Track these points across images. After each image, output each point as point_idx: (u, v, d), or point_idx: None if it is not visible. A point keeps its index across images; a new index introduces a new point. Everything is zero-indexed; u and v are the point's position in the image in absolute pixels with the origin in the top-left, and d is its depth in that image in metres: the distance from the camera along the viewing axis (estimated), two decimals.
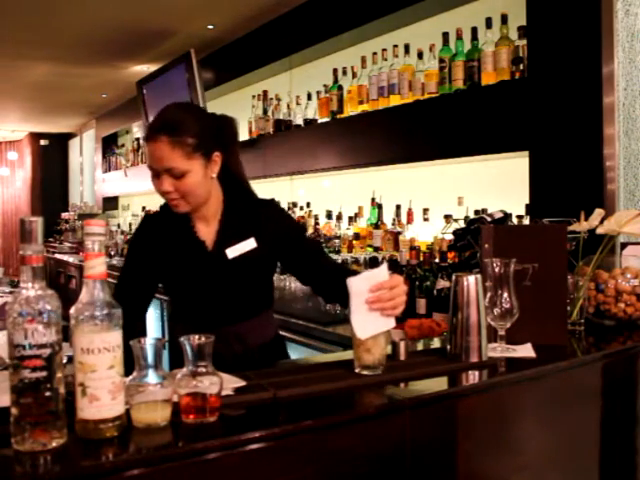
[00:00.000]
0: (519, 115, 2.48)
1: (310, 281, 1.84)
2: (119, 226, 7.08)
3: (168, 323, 1.99)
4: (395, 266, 2.77)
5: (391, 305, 1.33)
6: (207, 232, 1.74)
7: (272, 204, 1.84)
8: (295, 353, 2.63)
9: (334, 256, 3.10)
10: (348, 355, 1.40)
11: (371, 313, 1.32)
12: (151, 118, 5.61)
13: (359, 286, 1.33)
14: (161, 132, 1.56)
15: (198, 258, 1.72)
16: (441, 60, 2.83)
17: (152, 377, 0.98)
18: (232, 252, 1.72)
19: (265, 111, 4.25)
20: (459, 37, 2.79)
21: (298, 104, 3.95)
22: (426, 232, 3.06)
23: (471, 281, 1.40)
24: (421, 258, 2.60)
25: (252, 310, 1.79)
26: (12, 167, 10.72)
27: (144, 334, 1.74)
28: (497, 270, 1.47)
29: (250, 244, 1.73)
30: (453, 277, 1.43)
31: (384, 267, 1.37)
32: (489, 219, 2.04)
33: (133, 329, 1.65)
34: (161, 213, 1.82)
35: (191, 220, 1.74)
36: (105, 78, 6.11)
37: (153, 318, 4.48)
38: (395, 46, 3.13)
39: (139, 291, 1.77)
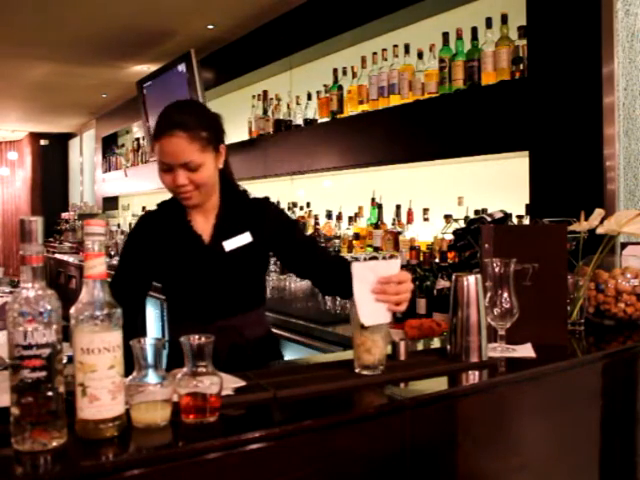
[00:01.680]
0: (519, 115, 2.48)
1: (307, 274, 1.87)
2: (119, 226, 7.08)
3: (168, 324, 1.99)
4: None
5: (396, 300, 1.34)
6: (204, 226, 1.76)
7: (265, 200, 1.87)
8: (295, 353, 2.63)
9: None
10: (348, 355, 1.40)
11: (377, 303, 1.33)
12: (151, 118, 5.62)
13: (363, 272, 1.33)
14: (176, 128, 1.58)
15: (195, 251, 1.74)
16: (441, 60, 2.83)
17: (152, 377, 0.98)
18: (229, 245, 1.74)
19: (265, 111, 4.25)
20: (459, 37, 2.79)
21: (298, 104, 3.95)
22: (426, 232, 3.06)
23: (471, 281, 1.40)
24: (421, 258, 2.60)
25: (246, 305, 1.80)
26: (12, 167, 10.71)
27: (144, 329, 1.76)
28: (497, 270, 1.47)
29: (246, 238, 1.75)
30: (453, 277, 1.43)
31: (397, 261, 1.38)
32: (489, 219, 2.04)
33: (133, 324, 1.66)
34: (158, 210, 1.83)
35: (187, 214, 1.76)
36: (105, 78, 6.11)
37: (153, 318, 4.48)
38: (395, 46, 3.13)
39: (134, 286, 1.77)
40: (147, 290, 1.85)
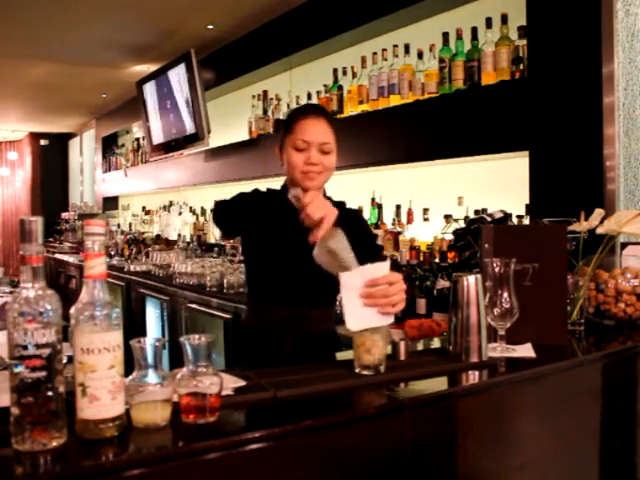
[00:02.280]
0: (519, 115, 2.48)
1: None
2: (119, 226, 7.08)
3: (247, 305, 2.03)
4: (395, 266, 2.77)
5: (385, 302, 1.34)
6: None
7: (357, 210, 2.05)
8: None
9: None
10: (348, 355, 1.40)
11: (366, 307, 1.32)
12: (151, 118, 5.62)
13: (350, 278, 1.33)
14: (320, 114, 1.77)
15: (298, 235, 1.68)
16: (441, 60, 2.84)
17: (152, 377, 0.98)
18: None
19: (265, 111, 4.25)
20: (459, 37, 2.79)
21: (298, 104, 3.95)
22: (426, 232, 3.06)
23: (471, 281, 1.40)
24: (421, 258, 2.60)
25: (324, 300, 1.85)
26: (12, 167, 10.71)
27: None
28: (497, 270, 1.47)
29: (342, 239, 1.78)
30: (453, 277, 1.43)
31: (386, 263, 1.37)
32: (489, 219, 2.04)
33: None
34: (270, 191, 1.87)
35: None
36: (105, 78, 6.11)
37: (153, 318, 4.48)
38: (395, 46, 3.13)
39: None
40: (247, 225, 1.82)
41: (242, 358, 1.88)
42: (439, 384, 1.34)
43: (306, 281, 1.77)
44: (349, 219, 1.80)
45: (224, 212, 1.81)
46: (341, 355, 1.69)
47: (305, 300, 1.81)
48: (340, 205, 1.89)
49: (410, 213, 3.19)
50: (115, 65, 5.66)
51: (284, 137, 1.77)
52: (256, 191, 1.85)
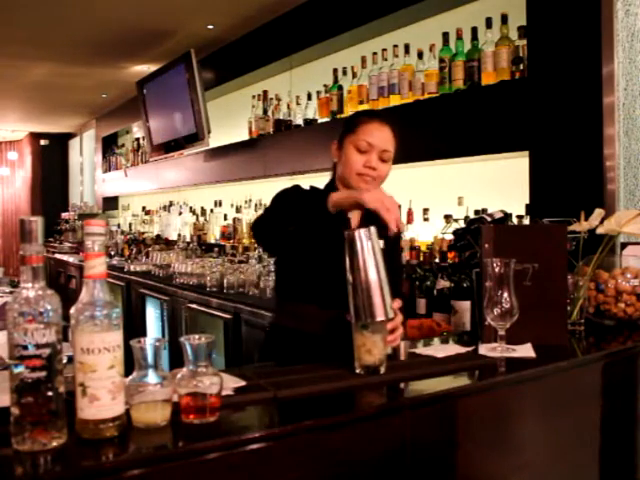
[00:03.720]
0: (519, 115, 2.48)
1: None
2: (119, 226, 7.08)
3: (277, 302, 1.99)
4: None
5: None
6: (354, 215, 1.80)
7: None
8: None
9: None
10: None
11: None
12: (151, 118, 5.63)
13: None
14: (386, 122, 1.78)
15: (339, 233, 1.69)
16: (441, 60, 2.84)
17: (152, 377, 0.98)
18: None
19: (265, 111, 4.25)
20: (459, 37, 2.79)
21: (298, 104, 3.95)
22: (426, 232, 3.06)
23: (363, 235, 1.33)
24: (421, 258, 2.60)
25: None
26: (12, 167, 10.71)
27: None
28: (497, 270, 1.47)
29: (380, 244, 1.75)
30: (345, 234, 1.36)
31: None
32: (489, 219, 2.04)
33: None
34: (313, 189, 1.83)
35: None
36: (105, 78, 6.11)
37: (153, 318, 4.48)
38: (395, 46, 3.13)
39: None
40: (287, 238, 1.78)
41: (277, 360, 1.79)
42: (439, 384, 1.33)
43: (340, 280, 1.75)
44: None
45: (261, 231, 1.76)
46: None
47: (339, 302, 1.73)
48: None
49: (410, 213, 3.19)
50: (115, 65, 5.66)
51: (345, 136, 1.77)
52: (297, 192, 1.80)
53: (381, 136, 1.75)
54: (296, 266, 1.81)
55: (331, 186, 1.83)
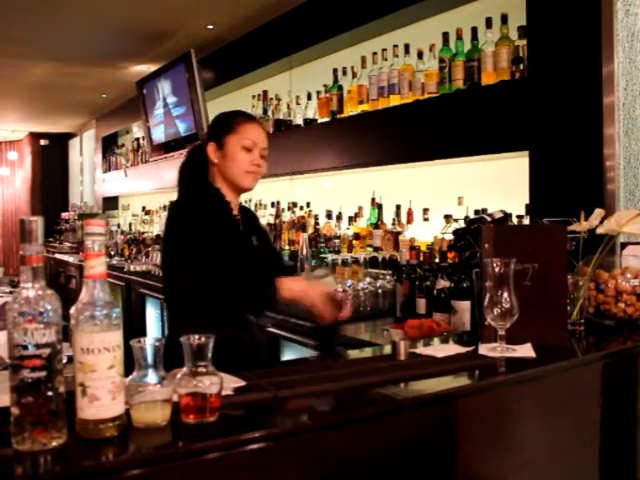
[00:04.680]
0: (519, 115, 2.48)
1: None
2: (119, 226, 7.08)
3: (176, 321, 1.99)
4: (395, 266, 2.77)
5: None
6: (238, 217, 1.92)
7: (251, 210, 2.15)
8: (295, 353, 2.63)
9: (334, 256, 3.10)
10: (350, 355, 1.39)
11: None
12: (151, 118, 5.62)
13: None
14: (259, 122, 1.95)
15: (239, 243, 1.84)
16: (441, 60, 2.83)
17: (152, 377, 0.98)
18: (255, 240, 1.91)
19: (265, 111, 4.25)
20: (459, 37, 2.79)
21: (298, 104, 3.95)
22: (426, 232, 3.06)
23: None
24: (421, 258, 2.59)
25: None
26: (12, 167, 10.71)
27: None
28: (497, 270, 1.47)
29: (255, 240, 1.90)
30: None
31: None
32: (489, 219, 2.03)
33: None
34: (201, 199, 1.84)
35: (232, 209, 1.88)
36: (105, 78, 6.11)
37: (153, 318, 4.48)
38: (395, 46, 3.13)
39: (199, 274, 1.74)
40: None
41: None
42: (439, 384, 1.33)
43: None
44: (254, 219, 2.02)
45: (184, 300, 1.74)
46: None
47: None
48: (252, 212, 2.09)
49: (410, 213, 3.18)
50: (115, 65, 5.66)
51: (226, 136, 1.84)
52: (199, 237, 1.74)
53: (261, 135, 1.88)
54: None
55: (215, 190, 1.85)
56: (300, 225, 3.77)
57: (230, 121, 1.87)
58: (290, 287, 1.72)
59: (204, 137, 1.94)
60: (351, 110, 3.37)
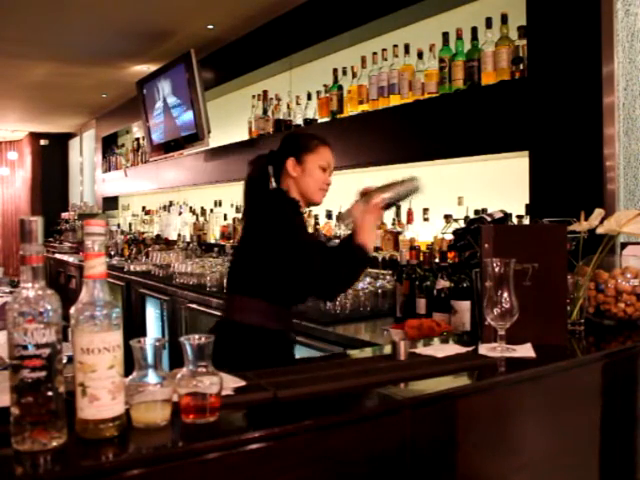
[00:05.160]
0: (519, 115, 2.48)
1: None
2: (119, 226, 7.08)
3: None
4: (395, 266, 2.77)
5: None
6: None
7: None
8: (299, 353, 2.63)
9: None
10: (350, 354, 1.39)
11: None
12: (151, 118, 5.62)
13: None
14: (330, 146, 2.14)
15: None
16: (441, 60, 2.84)
17: (152, 377, 0.98)
18: None
19: (265, 111, 4.25)
20: (459, 37, 2.79)
21: (298, 104, 3.95)
22: (426, 232, 3.06)
23: None
24: (421, 258, 2.59)
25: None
26: (12, 167, 10.71)
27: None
28: (497, 270, 1.47)
29: None
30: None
31: None
32: (489, 219, 2.03)
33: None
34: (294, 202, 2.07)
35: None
36: (105, 78, 6.11)
37: (153, 318, 4.48)
38: (395, 46, 3.13)
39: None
40: None
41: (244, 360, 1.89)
42: (439, 384, 1.33)
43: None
44: None
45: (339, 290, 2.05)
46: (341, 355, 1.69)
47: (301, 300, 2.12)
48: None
49: (410, 213, 3.19)
50: (115, 65, 5.66)
51: (305, 154, 2.05)
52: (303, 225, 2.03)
53: (333, 159, 2.13)
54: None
55: (290, 198, 2.04)
56: None
57: (310, 142, 2.08)
58: (357, 231, 1.95)
59: (284, 152, 2.09)
60: (351, 110, 3.38)
